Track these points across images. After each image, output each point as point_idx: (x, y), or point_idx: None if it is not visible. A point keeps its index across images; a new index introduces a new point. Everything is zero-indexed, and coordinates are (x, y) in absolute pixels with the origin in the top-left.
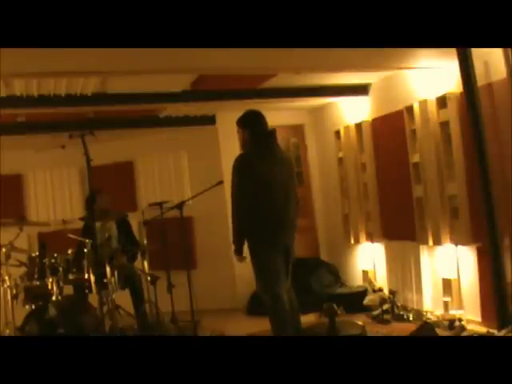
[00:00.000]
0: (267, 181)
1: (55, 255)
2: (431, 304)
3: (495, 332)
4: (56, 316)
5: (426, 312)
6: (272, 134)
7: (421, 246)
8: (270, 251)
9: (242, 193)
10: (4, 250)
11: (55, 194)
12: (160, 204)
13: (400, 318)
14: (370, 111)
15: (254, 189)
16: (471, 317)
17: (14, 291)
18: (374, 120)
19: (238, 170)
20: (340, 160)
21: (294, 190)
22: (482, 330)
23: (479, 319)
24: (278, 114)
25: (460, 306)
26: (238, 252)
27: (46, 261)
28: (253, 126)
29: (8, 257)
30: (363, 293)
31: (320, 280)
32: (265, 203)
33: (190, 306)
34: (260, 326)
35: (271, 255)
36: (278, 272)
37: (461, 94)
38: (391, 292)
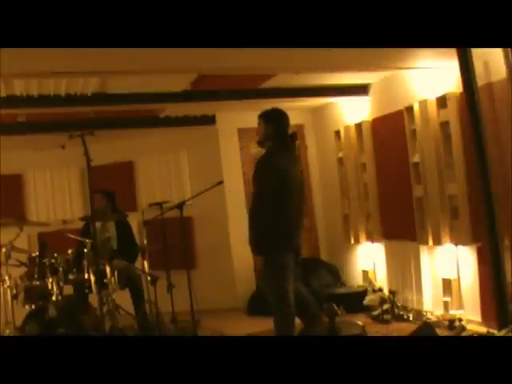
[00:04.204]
0: (289, 181)
1: (55, 255)
2: (431, 304)
3: (495, 332)
4: (56, 316)
5: (426, 312)
6: (294, 135)
7: (421, 246)
8: (286, 250)
9: (270, 193)
10: (4, 249)
11: (55, 194)
12: (160, 204)
13: (400, 318)
14: (370, 111)
15: (277, 189)
16: (471, 317)
17: (14, 291)
18: (374, 120)
19: (264, 170)
20: (340, 160)
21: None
22: (482, 330)
23: (479, 319)
24: None
25: (460, 306)
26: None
27: (46, 261)
28: (277, 123)
29: (8, 257)
30: (363, 293)
31: (320, 280)
32: (286, 203)
33: (190, 306)
34: (260, 326)
35: (285, 254)
36: (288, 271)
37: (461, 94)
38: (391, 292)
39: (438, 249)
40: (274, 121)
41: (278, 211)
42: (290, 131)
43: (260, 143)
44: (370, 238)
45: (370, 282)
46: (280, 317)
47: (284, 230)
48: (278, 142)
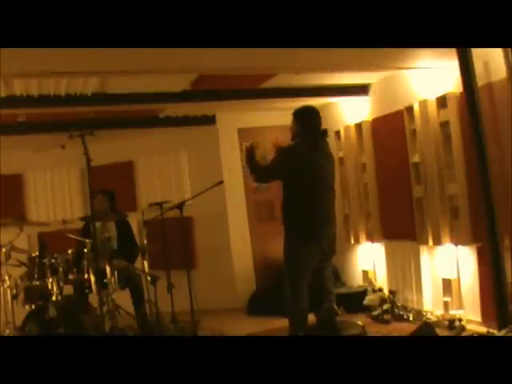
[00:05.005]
0: (313, 175)
1: (55, 255)
2: (431, 304)
3: (495, 332)
4: (56, 316)
5: (426, 312)
6: (324, 132)
7: (421, 246)
8: (307, 246)
9: (276, 173)
10: (4, 250)
11: (55, 194)
12: (160, 204)
13: (400, 318)
14: (370, 111)
15: (294, 183)
16: (471, 317)
17: (14, 291)
18: (374, 120)
19: (284, 158)
20: (340, 160)
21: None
22: (482, 330)
23: (479, 319)
24: (278, 114)
25: (460, 306)
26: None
27: (46, 261)
28: (305, 120)
29: (8, 257)
30: (363, 293)
31: None
32: (308, 198)
33: (190, 306)
34: (260, 326)
35: (306, 249)
36: (307, 267)
37: (461, 94)
38: (391, 292)
39: (438, 249)
40: (302, 118)
41: (296, 204)
42: (321, 128)
43: (292, 140)
44: (370, 238)
45: (370, 282)
46: (289, 312)
47: (306, 225)
48: (306, 138)
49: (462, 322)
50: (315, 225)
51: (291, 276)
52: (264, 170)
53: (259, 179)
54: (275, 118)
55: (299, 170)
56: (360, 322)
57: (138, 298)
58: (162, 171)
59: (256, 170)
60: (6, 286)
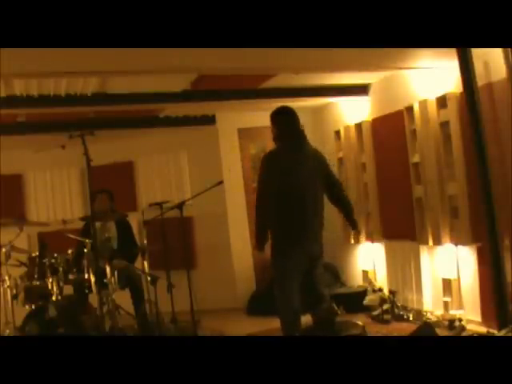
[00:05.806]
0: (291, 179)
1: (55, 255)
2: (431, 304)
3: (495, 332)
4: (56, 316)
5: (426, 312)
6: (300, 133)
7: (421, 246)
8: (290, 251)
9: (266, 190)
10: (4, 250)
11: (55, 194)
12: (160, 204)
13: (400, 318)
14: (370, 111)
15: (278, 187)
16: (471, 317)
17: (14, 291)
18: (374, 120)
19: (263, 168)
20: (340, 160)
21: (332, 180)
22: (482, 330)
23: (479, 319)
24: None
25: (460, 306)
26: (259, 248)
27: (46, 261)
28: (279, 123)
29: (8, 257)
30: (363, 293)
31: None
32: (288, 203)
33: (190, 306)
34: (260, 326)
35: (291, 251)
36: (291, 272)
37: (461, 94)
38: (391, 292)
39: (438, 249)
40: (275, 121)
41: (277, 210)
42: (298, 128)
43: (274, 141)
44: (370, 238)
45: (370, 282)
46: (280, 317)
47: (287, 229)
48: (285, 140)
49: (462, 322)
50: (298, 226)
51: (279, 277)
52: (257, 198)
53: (258, 208)
54: None
55: (281, 173)
56: (360, 322)
57: (138, 298)
58: (162, 171)
59: (256, 216)
60: (6, 285)
